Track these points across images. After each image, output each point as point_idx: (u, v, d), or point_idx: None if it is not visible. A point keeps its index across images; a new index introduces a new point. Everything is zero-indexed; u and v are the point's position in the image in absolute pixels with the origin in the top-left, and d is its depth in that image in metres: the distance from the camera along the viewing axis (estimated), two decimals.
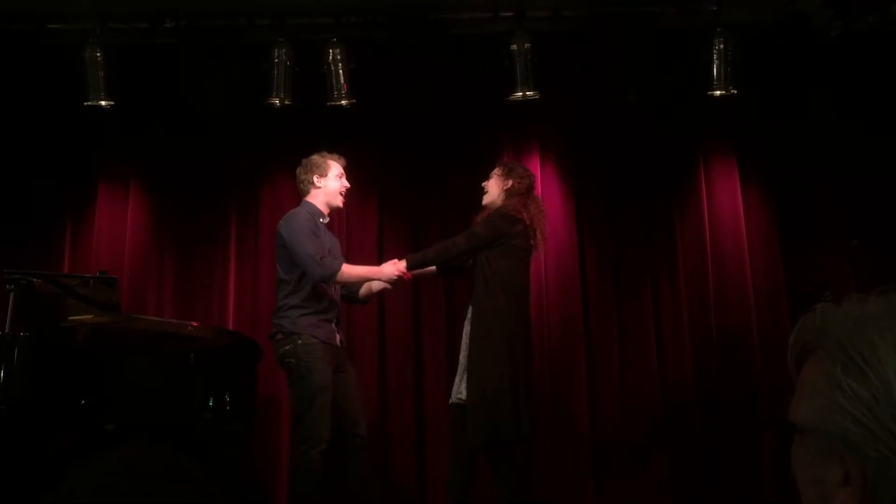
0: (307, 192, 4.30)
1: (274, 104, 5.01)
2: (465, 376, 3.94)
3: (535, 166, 5.39)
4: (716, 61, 5.00)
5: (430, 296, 5.30)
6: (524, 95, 5.00)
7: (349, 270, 4.10)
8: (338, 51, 5.00)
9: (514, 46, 4.98)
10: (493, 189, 4.27)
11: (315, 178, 4.27)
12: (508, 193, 4.19)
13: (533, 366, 4.18)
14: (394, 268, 4.11)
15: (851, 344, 0.87)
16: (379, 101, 5.19)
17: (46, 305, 3.92)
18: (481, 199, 4.33)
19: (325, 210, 4.28)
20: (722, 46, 4.98)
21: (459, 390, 3.99)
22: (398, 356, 5.19)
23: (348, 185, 4.37)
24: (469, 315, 4.09)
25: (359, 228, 5.39)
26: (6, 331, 3.65)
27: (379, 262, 5.16)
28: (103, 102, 5.02)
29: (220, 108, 5.11)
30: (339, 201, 4.31)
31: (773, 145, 5.38)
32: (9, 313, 3.71)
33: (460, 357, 4.11)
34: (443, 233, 5.33)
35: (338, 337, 4.14)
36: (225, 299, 5.31)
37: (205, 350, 4.15)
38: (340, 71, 5.02)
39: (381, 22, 5.09)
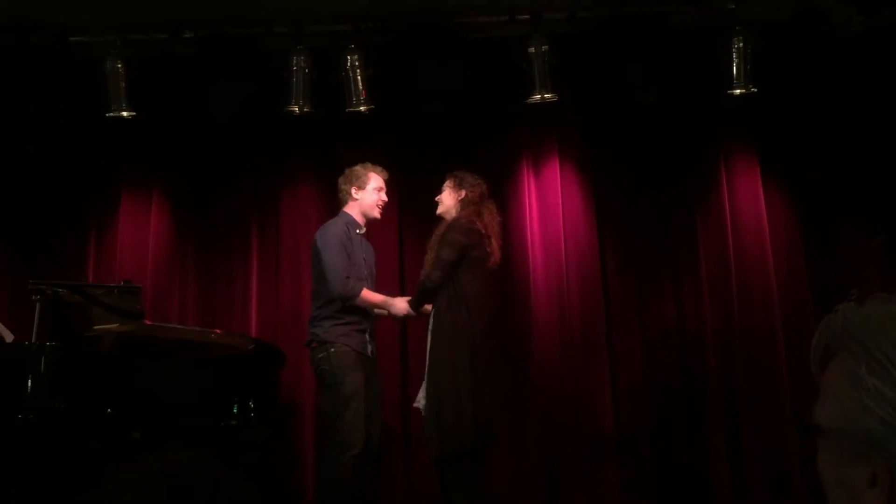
0: (345, 203, 4.40)
1: (293, 111, 5.04)
2: (424, 386, 3.99)
3: (554, 169, 5.40)
4: (735, 59, 4.97)
5: None
6: (542, 98, 5.00)
7: (367, 296, 4.17)
8: (355, 57, 5.03)
9: (532, 49, 4.98)
10: (447, 200, 4.29)
11: (353, 190, 4.36)
12: (463, 203, 4.21)
13: (499, 375, 4.19)
14: (404, 305, 4.20)
15: (875, 344, 0.86)
16: (397, 106, 5.21)
17: (72, 315, 3.97)
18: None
19: (362, 221, 4.37)
20: (741, 44, 4.95)
21: (420, 397, 4.04)
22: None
23: (386, 199, 4.45)
24: (430, 327, 4.10)
25: (379, 235, 5.38)
26: (32, 340, 3.69)
27: (399, 270, 5.23)
28: (125, 113, 5.08)
29: (239, 117, 5.15)
30: (375, 213, 4.39)
31: (794, 143, 5.33)
32: (35, 323, 3.75)
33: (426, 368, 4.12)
34: None
35: (370, 347, 4.19)
36: (247, 306, 5.34)
37: (228, 357, 4.19)
38: (358, 77, 5.04)
39: (398, 27, 5.11)
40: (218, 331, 4.71)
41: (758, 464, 4.93)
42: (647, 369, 5.18)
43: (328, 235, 4.23)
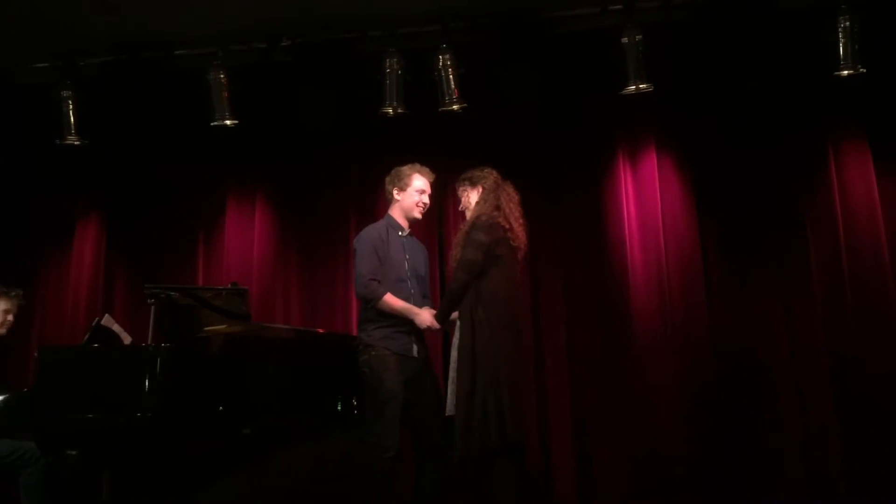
0: (390, 202, 4.38)
1: (387, 113, 5.12)
2: (454, 388, 3.92)
3: (651, 162, 5.28)
4: (841, 40, 4.76)
5: (549, 298, 5.28)
6: (637, 89, 4.91)
7: (390, 301, 4.08)
8: (447, 56, 5.07)
9: (626, 39, 4.90)
10: (468, 203, 4.20)
11: (395, 191, 4.31)
12: (482, 198, 4.11)
13: (522, 373, 4.08)
14: (429, 318, 4.08)
15: None
16: (490, 104, 5.21)
17: (184, 317, 4.14)
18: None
19: (404, 223, 4.32)
20: (847, 23, 4.74)
21: (450, 404, 3.96)
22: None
23: (428, 201, 4.34)
24: (457, 327, 4.03)
25: None
26: (148, 342, 3.87)
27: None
28: (228, 121, 5.28)
29: (336, 120, 5.27)
30: (415, 214, 4.31)
31: None
32: (150, 325, 3.93)
33: (450, 370, 4.06)
34: (560, 236, 5.31)
35: (415, 348, 4.14)
36: (348, 305, 5.45)
37: (331, 356, 4.28)
38: (450, 76, 5.08)
39: (489, 25, 5.12)
40: (321, 330, 4.82)
41: (873, 467, 4.70)
42: (752, 363, 5.01)
43: (362, 238, 4.23)
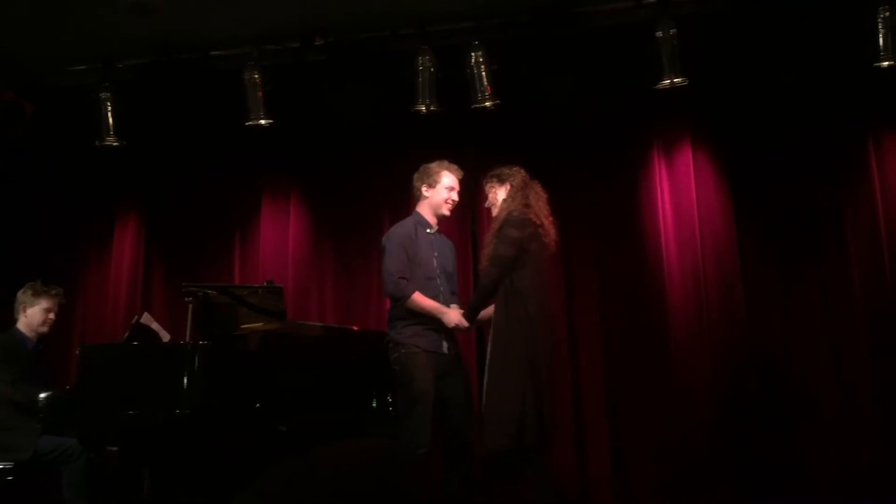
0: (417, 199, 4.36)
1: (420, 111, 5.12)
2: (485, 385, 3.88)
3: (686, 157, 5.24)
4: (881, 30, 4.67)
5: (583, 294, 5.26)
6: (672, 83, 4.86)
7: (419, 300, 4.06)
8: (480, 53, 5.06)
9: (660, 33, 4.85)
10: (495, 200, 4.17)
11: (424, 188, 4.29)
12: (511, 196, 4.08)
13: (554, 371, 4.03)
14: (456, 317, 4.05)
15: None
16: (523, 100, 5.19)
17: (221, 315, 4.17)
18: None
19: (433, 220, 4.30)
20: (887, 13, 4.64)
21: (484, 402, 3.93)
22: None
23: (457, 199, 4.32)
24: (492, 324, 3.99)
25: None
26: (186, 340, 3.91)
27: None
28: (263, 121, 5.32)
29: (369, 118, 5.28)
30: (444, 211, 4.29)
31: None
32: (188, 323, 3.98)
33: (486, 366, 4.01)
34: (594, 231, 5.28)
35: (445, 345, 4.13)
36: (382, 302, 5.45)
37: (366, 352, 4.30)
38: (483, 73, 5.07)
39: (522, 21, 5.09)
40: (355, 328, 4.84)
41: None
42: (791, 360, 4.93)
43: (391, 236, 4.22)
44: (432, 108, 5.13)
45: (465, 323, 4.07)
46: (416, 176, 4.35)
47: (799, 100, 5.06)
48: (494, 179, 4.19)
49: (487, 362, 3.94)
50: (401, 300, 4.08)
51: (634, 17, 5.02)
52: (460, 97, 5.13)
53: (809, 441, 4.83)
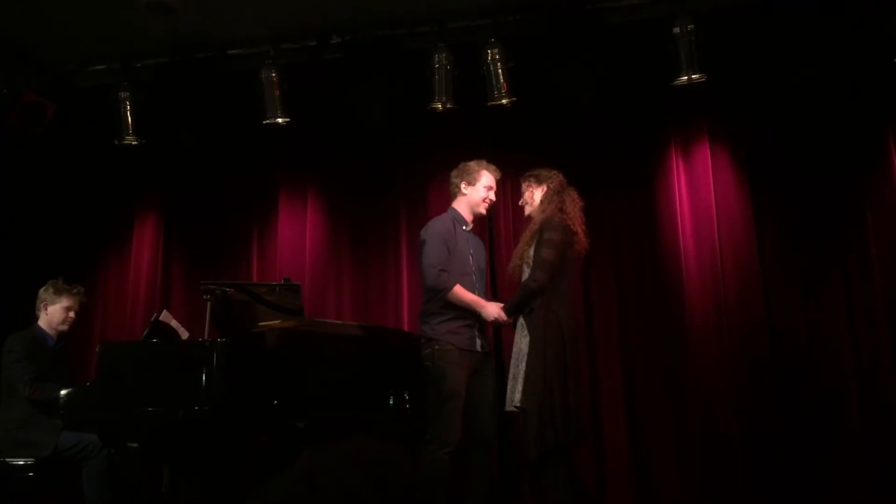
0: (455, 196, 4.39)
1: (437, 108, 5.12)
2: (521, 385, 3.88)
3: (704, 154, 5.20)
4: None
5: (601, 293, 5.24)
6: (689, 80, 4.84)
7: (459, 293, 4.09)
8: (496, 51, 5.05)
9: (677, 29, 4.82)
10: (531, 199, 4.22)
11: (463, 185, 4.34)
12: (547, 197, 4.13)
13: (584, 372, 4.06)
14: (496, 311, 4.09)
15: None
16: (540, 97, 5.18)
17: (239, 313, 4.19)
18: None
19: (469, 217, 4.35)
20: None
21: (513, 399, 3.93)
22: None
23: (494, 198, 4.39)
24: (520, 325, 4.01)
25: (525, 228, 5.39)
26: (205, 337, 3.94)
27: None
28: (280, 120, 5.34)
29: (386, 116, 5.29)
30: (481, 209, 4.34)
31: None
32: (206, 321, 4.00)
33: (510, 366, 4.03)
34: (613, 224, 5.25)
35: (478, 342, 4.15)
36: (399, 300, 5.48)
37: (383, 351, 4.30)
38: (500, 70, 5.06)
39: (538, 18, 5.08)
40: (373, 325, 4.85)
41: None
42: (812, 363, 4.89)
43: (431, 229, 4.24)
44: (449, 106, 5.13)
45: (504, 317, 4.09)
46: (454, 173, 4.39)
47: (817, 96, 5.01)
48: (532, 179, 4.24)
49: (514, 362, 3.95)
50: (442, 293, 4.08)
51: (652, 12, 5.00)
52: (477, 95, 5.13)
53: (830, 440, 4.77)
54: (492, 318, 4.10)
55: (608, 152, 5.36)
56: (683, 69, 4.83)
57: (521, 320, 4.04)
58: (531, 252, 4.04)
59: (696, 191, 5.18)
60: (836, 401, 4.82)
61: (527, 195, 4.26)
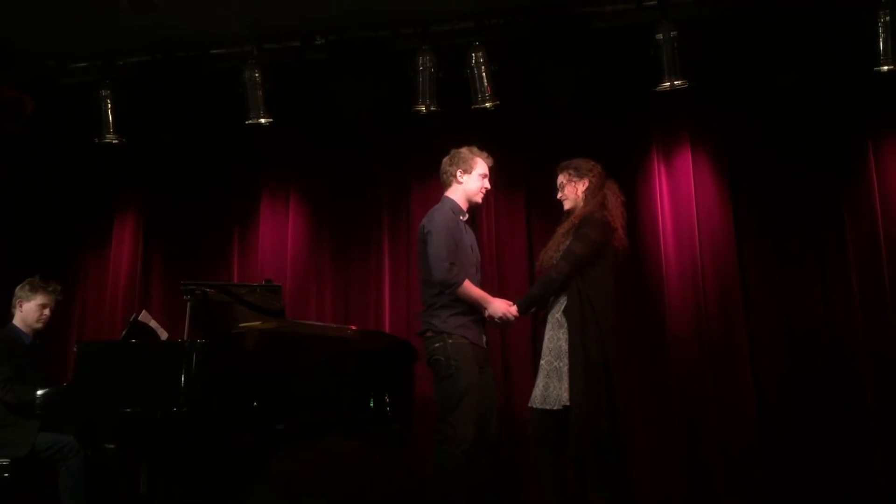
0: (449, 185, 4.21)
1: (420, 111, 5.12)
2: (566, 383, 3.84)
3: (686, 158, 5.24)
4: (881, 34, 4.68)
5: None
6: (672, 85, 4.87)
7: (468, 289, 3.95)
8: (480, 54, 5.06)
9: (660, 35, 4.86)
10: (572, 193, 4.13)
11: (459, 173, 4.16)
12: (589, 192, 4.06)
13: (624, 371, 4.06)
14: (504, 307, 3.97)
15: None
16: (523, 100, 5.20)
17: (219, 313, 4.18)
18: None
19: (465, 206, 4.18)
20: (887, 18, 4.66)
21: (546, 395, 3.90)
22: None
23: (489, 186, 4.26)
24: (555, 321, 3.97)
25: (507, 230, 5.40)
26: (184, 338, 3.91)
27: (530, 263, 5.17)
28: (263, 120, 5.32)
29: (369, 118, 5.29)
30: (478, 199, 4.21)
31: None
32: (186, 321, 3.98)
33: (541, 362, 4.00)
34: None
35: (484, 338, 4.09)
36: (381, 302, 5.47)
37: (364, 352, 4.29)
38: (484, 73, 5.07)
39: (523, 21, 5.10)
40: (353, 327, 4.83)
41: None
42: (791, 363, 4.93)
43: (435, 221, 4.03)
44: (432, 108, 5.13)
45: (513, 314, 3.97)
46: (446, 161, 4.21)
47: (799, 103, 5.07)
48: (573, 172, 4.14)
49: (548, 358, 3.91)
50: (452, 287, 3.91)
51: (635, 18, 5.03)
52: (461, 97, 5.13)
53: (808, 440, 4.82)
54: (499, 315, 3.95)
55: (591, 156, 5.35)
56: (666, 75, 4.87)
57: (555, 316, 3.97)
58: (567, 245, 3.98)
59: (678, 195, 5.22)
60: (817, 398, 4.86)
61: (568, 189, 4.14)
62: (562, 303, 3.98)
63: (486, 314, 4.00)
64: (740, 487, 4.78)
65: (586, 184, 4.09)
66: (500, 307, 3.96)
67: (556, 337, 3.96)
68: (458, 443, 3.78)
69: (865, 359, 4.83)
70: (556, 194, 4.26)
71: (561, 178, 4.20)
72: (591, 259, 3.92)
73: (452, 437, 3.79)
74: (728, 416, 4.88)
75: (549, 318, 4.04)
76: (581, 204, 4.09)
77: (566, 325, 3.91)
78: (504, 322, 4.05)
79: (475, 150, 4.22)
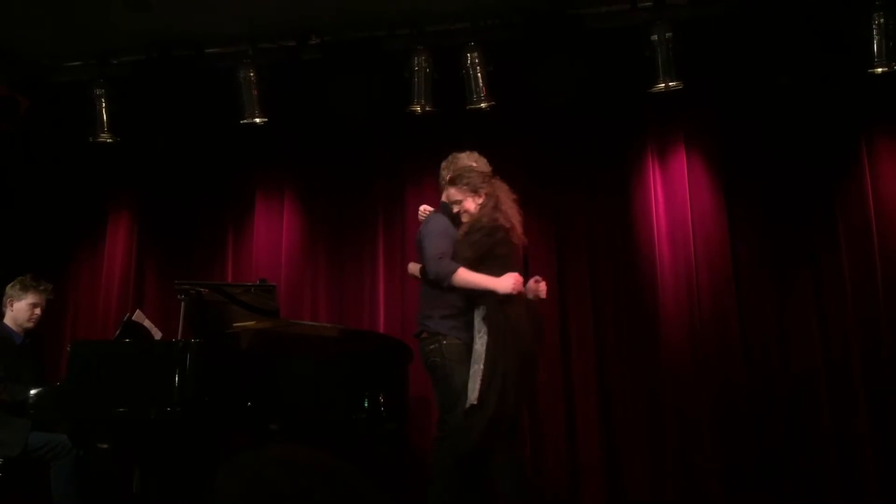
0: (444, 189, 4.09)
1: (415, 111, 5.12)
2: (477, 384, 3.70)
3: (680, 159, 5.25)
4: (876, 36, 4.70)
5: (576, 296, 5.26)
6: (667, 86, 4.89)
7: (465, 275, 3.78)
8: (475, 54, 5.06)
9: (655, 36, 4.87)
10: (471, 208, 3.87)
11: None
12: (484, 203, 3.84)
13: (537, 365, 3.91)
14: (510, 281, 3.71)
15: None
16: (518, 101, 5.20)
17: (213, 313, 4.16)
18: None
19: None
20: (882, 20, 4.68)
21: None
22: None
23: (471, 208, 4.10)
24: (475, 326, 3.80)
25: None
26: (178, 337, 3.91)
27: (526, 263, 5.16)
28: (257, 119, 5.32)
29: (364, 118, 5.28)
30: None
31: None
32: (180, 321, 3.97)
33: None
34: (588, 228, 5.28)
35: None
36: (375, 302, 5.47)
37: (358, 352, 4.29)
38: (479, 74, 5.08)
39: (519, 22, 5.10)
40: (348, 327, 4.84)
41: None
42: (783, 364, 4.95)
43: (429, 226, 4.00)
44: (427, 109, 5.13)
45: (520, 287, 3.76)
46: (444, 164, 4.13)
47: (793, 104, 5.09)
48: (466, 188, 3.90)
49: (483, 361, 3.88)
50: (447, 279, 3.80)
51: (630, 20, 5.04)
52: (456, 98, 5.14)
53: (801, 445, 4.84)
54: (510, 289, 3.71)
55: (585, 157, 5.39)
56: (661, 76, 4.88)
57: (475, 322, 3.81)
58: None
59: (672, 196, 5.23)
60: (807, 401, 4.87)
61: (466, 204, 3.89)
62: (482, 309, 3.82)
63: (500, 292, 3.78)
64: (733, 490, 4.78)
65: (482, 197, 3.89)
66: (508, 282, 3.74)
67: (475, 340, 3.80)
68: (455, 442, 3.76)
69: (858, 359, 4.84)
70: (441, 196, 4.05)
71: (454, 192, 3.93)
72: (479, 261, 3.74)
73: (450, 437, 3.79)
74: (721, 418, 4.88)
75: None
76: (467, 207, 3.89)
77: (486, 330, 3.76)
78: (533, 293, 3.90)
79: (475, 154, 4.13)
